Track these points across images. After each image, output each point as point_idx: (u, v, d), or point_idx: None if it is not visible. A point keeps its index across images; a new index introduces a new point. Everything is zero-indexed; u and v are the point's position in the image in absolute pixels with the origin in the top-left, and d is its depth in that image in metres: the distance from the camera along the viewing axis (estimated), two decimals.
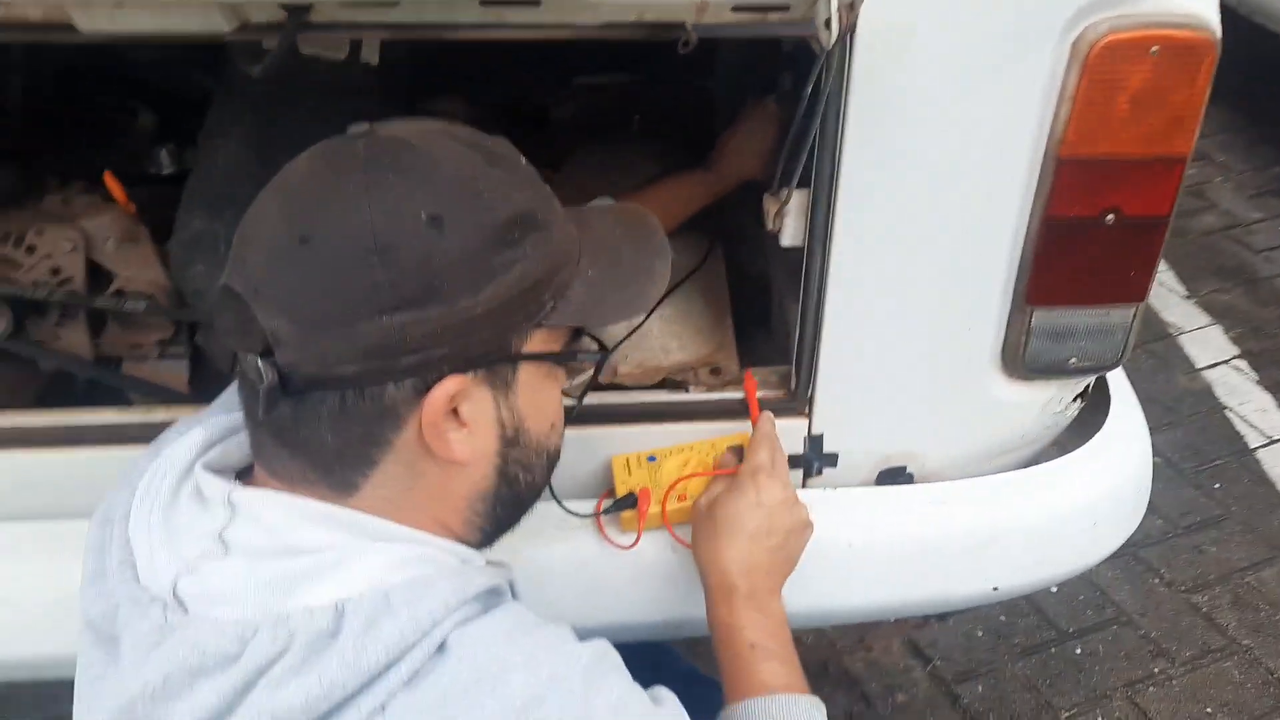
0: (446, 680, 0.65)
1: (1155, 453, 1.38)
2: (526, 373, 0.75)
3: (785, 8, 0.87)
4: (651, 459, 1.17)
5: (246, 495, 0.72)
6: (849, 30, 0.83)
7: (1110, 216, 1.07)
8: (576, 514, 1.13)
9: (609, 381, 1.29)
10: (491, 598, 0.73)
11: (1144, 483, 1.32)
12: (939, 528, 1.20)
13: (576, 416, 1.17)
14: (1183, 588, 2.16)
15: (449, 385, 0.70)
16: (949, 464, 1.27)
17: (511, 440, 0.77)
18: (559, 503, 1.13)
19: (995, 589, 1.23)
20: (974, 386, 1.21)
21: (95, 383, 1.36)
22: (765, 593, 0.99)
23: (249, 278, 0.69)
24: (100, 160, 1.34)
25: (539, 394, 0.78)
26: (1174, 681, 1.97)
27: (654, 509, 1.12)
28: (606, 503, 1.15)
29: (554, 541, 1.14)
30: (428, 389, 0.70)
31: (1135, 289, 1.14)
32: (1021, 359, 1.18)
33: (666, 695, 0.76)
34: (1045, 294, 1.13)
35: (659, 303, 1.33)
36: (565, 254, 0.76)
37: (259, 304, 0.68)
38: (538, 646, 0.69)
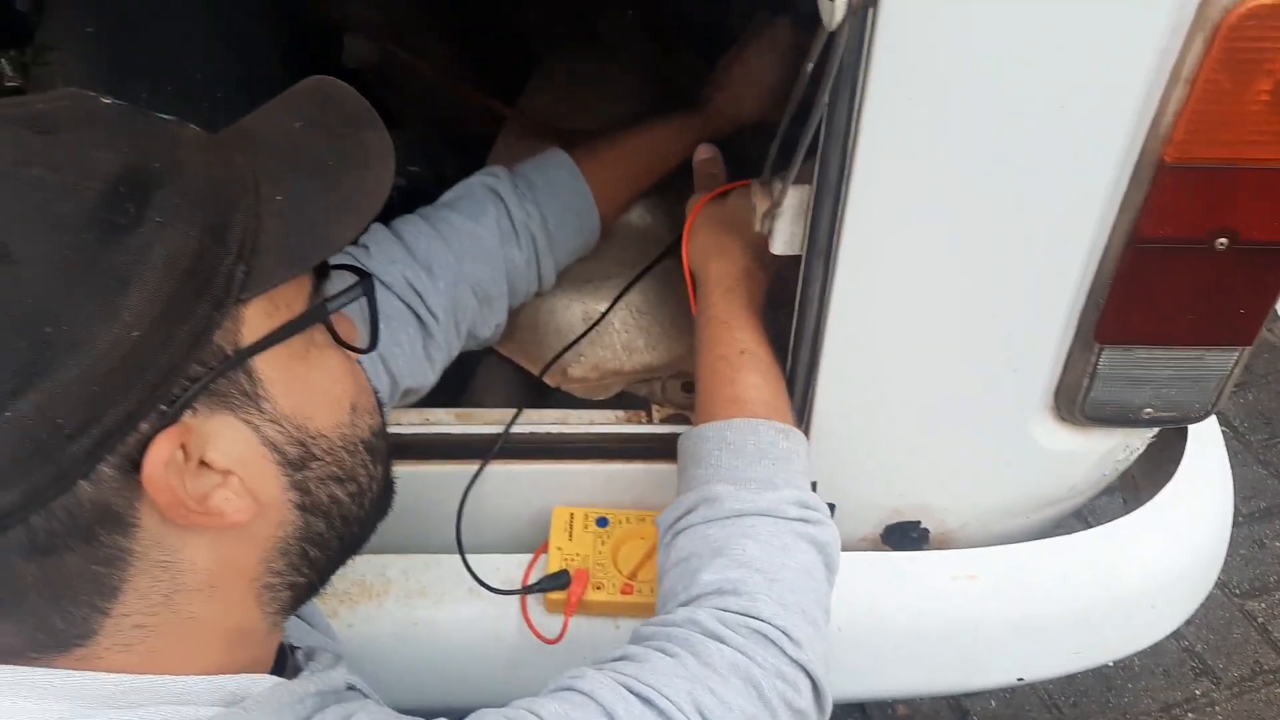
0: None
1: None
2: (270, 365, 0.55)
3: None
4: (602, 522, 0.96)
5: None
6: (863, 7, 0.56)
7: (1222, 241, 0.81)
8: (488, 586, 0.92)
9: (556, 385, 1.07)
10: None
11: (1219, 546, 1.09)
12: (960, 610, 0.98)
13: (504, 450, 0.96)
14: (1237, 591, 1.94)
15: (162, 446, 0.50)
16: (973, 520, 1.04)
17: (300, 460, 0.57)
18: (467, 567, 0.92)
19: (1020, 679, 1.02)
20: (1015, 431, 0.97)
21: None
22: (759, 308, 0.92)
23: None
24: None
25: (307, 379, 0.58)
26: (1217, 708, 1.78)
27: (591, 596, 0.91)
28: (536, 573, 0.94)
29: (459, 606, 0.94)
30: (137, 463, 0.50)
31: (1243, 331, 0.88)
32: (1081, 404, 0.94)
33: None
34: (1121, 331, 0.88)
35: (625, 289, 1.09)
36: (225, 193, 0.54)
37: None
38: None
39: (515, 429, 0.97)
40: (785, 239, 0.85)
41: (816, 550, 0.78)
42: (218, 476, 0.53)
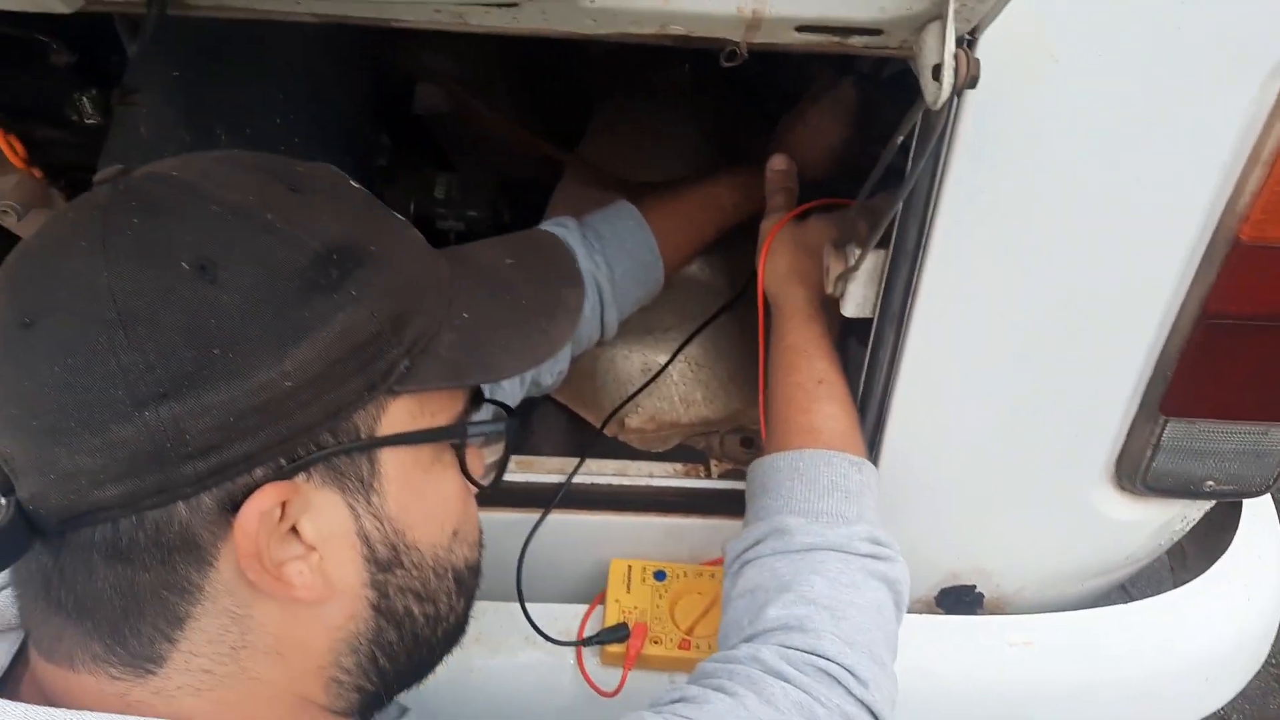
0: None
1: None
2: (394, 463, 0.55)
3: (876, 31, 0.62)
4: (660, 576, 0.97)
5: None
6: (966, 87, 0.58)
7: None
8: (547, 637, 0.92)
9: (614, 435, 1.08)
10: None
11: (1273, 618, 1.09)
12: (1015, 678, 0.98)
13: (562, 500, 0.97)
14: (1273, 662, 1.92)
15: (266, 496, 0.50)
16: (1029, 585, 1.04)
17: (387, 562, 0.56)
18: (527, 616, 0.93)
19: None
20: (1075, 499, 0.97)
21: None
22: (835, 338, 0.92)
23: None
24: (6, 102, 1.12)
25: (423, 490, 0.57)
26: None
27: (649, 650, 0.91)
28: (592, 624, 0.95)
29: (516, 655, 0.95)
30: (237, 505, 0.50)
31: None
32: (1142, 474, 0.95)
33: None
34: (1187, 403, 0.89)
35: (685, 343, 1.10)
36: (419, 293, 0.57)
37: None
38: None
39: (576, 479, 0.98)
40: (858, 302, 0.86)
41: (887, 588, 0.78)
42: (301, 548, 0.53)
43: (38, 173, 1.07)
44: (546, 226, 1.03)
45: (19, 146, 1.05)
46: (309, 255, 0.51)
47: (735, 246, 1.16)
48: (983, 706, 0.98)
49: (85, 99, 1.13)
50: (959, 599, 1.04)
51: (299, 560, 0.53)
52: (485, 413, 0.63)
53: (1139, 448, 0.93)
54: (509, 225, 1.40)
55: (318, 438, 0.52)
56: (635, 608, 0.95)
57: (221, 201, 0.51)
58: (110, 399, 0.47)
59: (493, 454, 0.64)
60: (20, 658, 0.59)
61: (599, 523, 0.99)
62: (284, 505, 0.51)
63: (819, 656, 0.71)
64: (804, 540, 0.77)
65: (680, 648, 0.93)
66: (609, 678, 0.93)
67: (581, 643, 0.92)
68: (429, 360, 0.55)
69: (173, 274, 0.48)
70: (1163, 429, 0.91)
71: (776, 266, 0.94)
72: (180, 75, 1.03)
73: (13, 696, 0.57)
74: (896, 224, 0.80)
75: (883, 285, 0.84)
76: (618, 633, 0.92)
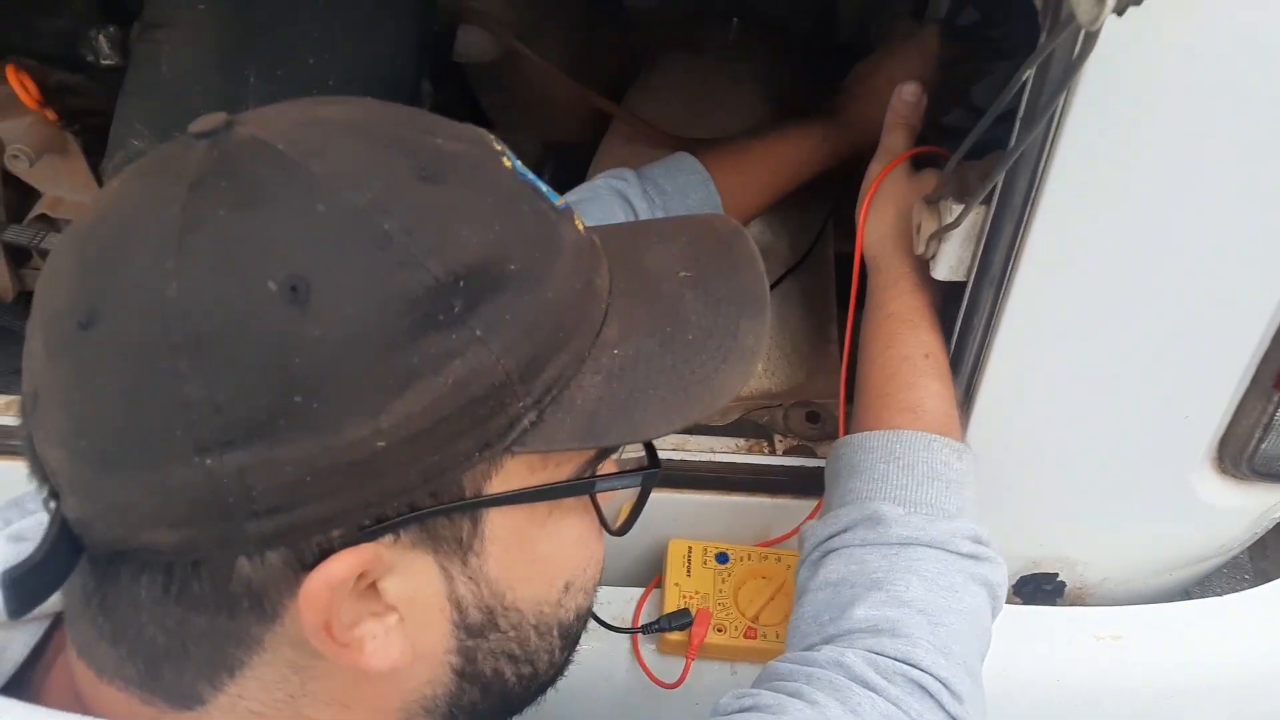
0: None
1: None
2: (503, 522, 0.47)
3: None
4: (722, 558, 0.91)
5: None
6: (1131, 3, 0.51)
7: None
8: (602, 623, 0.87)
9: None
10: None
11: None
12: (1102, 674, 0.92)
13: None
14: None
15: (341, 565, 0.42)
16: (1114, 575, 0.99)
17: (480, 627, 0.49)
18: None
19: None
20: (1173, 483, 0.91)
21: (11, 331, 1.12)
22: (940, 308, 0.85)
23: (31, 371, 0.43)
24: (18, 42, 1.06)
25: (534, 546, 0.50)
26: None
27: (712, 639, 0.86)
28: (649, 609, 0.89)
29: None
30: (307, 565, 0.43)
31: None
32: (1248, 456, 0.89)
33: None
34: None
35: None
36: (565, 327, 0.46)
37: (36, 418, 0.43)
38: None
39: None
40: (952, 263, 0.80)
41: (986, 593, 0.72)
42: (379, 605, 0.45)
43: (51, 114, 1.01)
44: (603, 179, 0.96)
45: (31, 85, 0.99)
46: (430, 281, 0.41)
47: (796, 206, 1.10)
48: (1065, 704, 0.92)
49: (102, 37, 1.07)
50: (1039, 588, 0.98)
51: (374, 620, 0.45)
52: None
53: (1247, 428, 0.87)
54: (550, 185, 1.33)
55: (412, 498, 0.43)
56: (696, 592, 0.89)
57: (332, 197, 0.41)
58: (169, 437, 0.40)
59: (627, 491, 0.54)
60: (44, 648, 0.53)
61: (656, 500, 0.92)
62: (363, 574, 0.44)
63: (912, 666, 0.65)
64: (900, 533, 0.71)
65: (746, 636, 0.87)
66: (668, 667, 0.87)
67: (640, 629, 0.87)
68: (561, 412, 0.45)
69: (257, 294, 0.39)
70: (1277, 407, 0.85)
71: (881, 223, 0.86)
72: (207, 9, 0.96)
73: (35, 689, 0.51)
74: (1002, 178, 0.73)
75: (981, 245, 0.78)
76: (679, 619, 0.86)
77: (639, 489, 0.53)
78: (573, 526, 0.52)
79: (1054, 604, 0.99)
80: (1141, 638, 0.93)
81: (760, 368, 1.03)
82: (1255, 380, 0.84)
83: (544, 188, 0.48)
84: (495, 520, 0.47)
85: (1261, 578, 1.08)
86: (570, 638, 0.56)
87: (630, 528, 0.57)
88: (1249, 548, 1.09)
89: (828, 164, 1.04)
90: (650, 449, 0.55)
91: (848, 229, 1.12)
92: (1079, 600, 1.00)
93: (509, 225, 0.44)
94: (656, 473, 0.54)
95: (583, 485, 0.50)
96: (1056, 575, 0.98)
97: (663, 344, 0.50)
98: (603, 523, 0.54)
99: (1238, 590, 0.98)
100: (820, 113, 1.06)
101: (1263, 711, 0.95)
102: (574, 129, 1.29)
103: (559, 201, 0.49)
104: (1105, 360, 0.82)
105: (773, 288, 1.02)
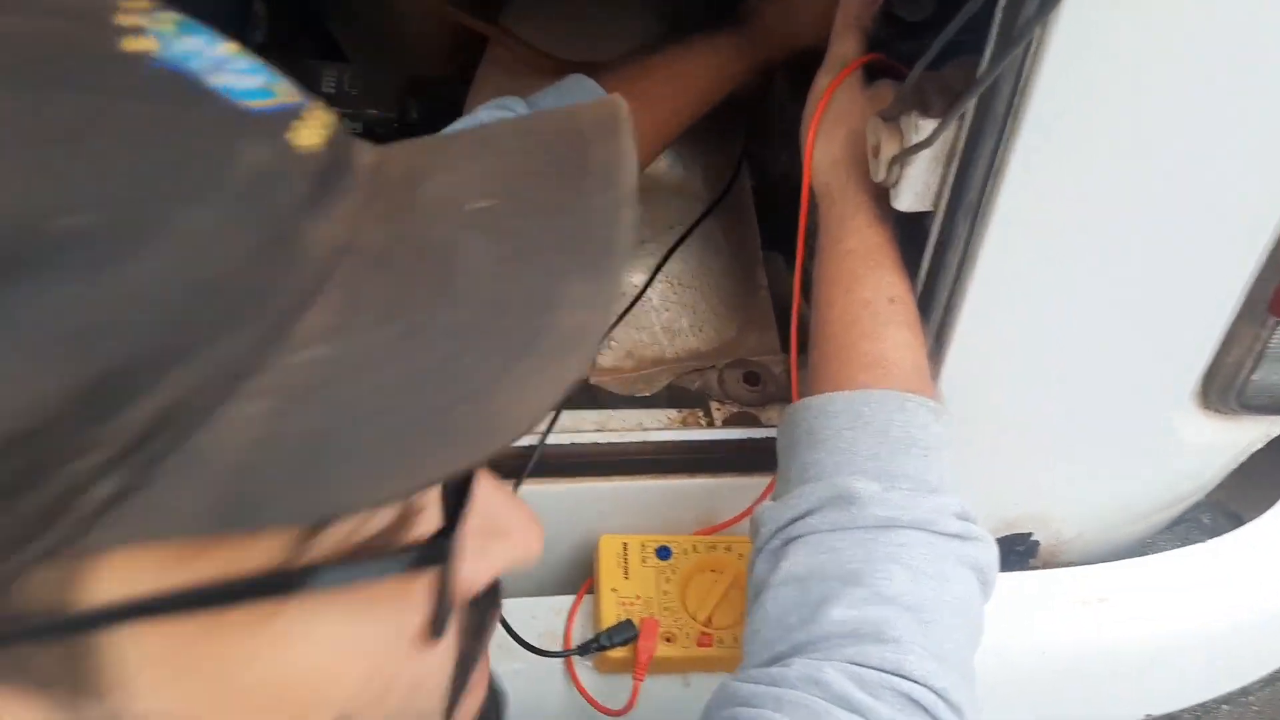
0: None
1: None
2: (155, 640, 0.28)
3: None
4: (663, 553, 0.78)
5: None
6: None
7: None
8: (531, 647, 0.73)
9: (586, 381, 0.88)
10: None
11: None
12: (1091, 642, 0.83)
13: (535, 467, 0.78)
14: None
15: None
16: (1090, 527, 0.90)
17: None
18: (500, 619, 0.74)
19: (1147, 715, 0.89)
20: (1156, 423, 0.83)
21: None
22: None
23: None
24: None
25: (240, 671, 0.30)
26: None
27: (663, 650, 0.73)
28: (581, 621, 0.76)
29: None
30: None
31: None
32: (1237, 389, 0.80)
33: None
34: None
35: (664, 258, 0.91)
36: (199, 317, 0.26)
37: None
38: None
39: (549, 439, 0.78)
40: (917, 190, 0.68)
41: (977, 579, 0.60)
42: None
43: None
44: (486, 110, 0.81)
45: None
46: None
47: (709, 136, 0.96)
48: (1053, 677, 0.84)
49: None
50: (1011, 549, 0.89)
51: None
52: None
53: (1238, 358, 0.78)
54: (417, 127, 1.17)
55: None
56: (637, 597, 0.76)
57: None
58: None
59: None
60: None
61: (580, 491, 0.80)
62: None
63: (902, 678, 0.53)
64: (878, 513, 0.59)
65: (699, 644, 0.75)
66: (610, 689, 0.75)
67: (576, 651, 0.74)
68: (183, 470, 0.26)
69: None
70: (1271, 334, 0.76)
71: (832, 145, 0.72)
72: None
73: None
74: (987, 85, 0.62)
75: (954, 168, 0.66)
76: (622, 633, 0.73)
77: (440, 574, 0.33)
78: (332, 630, 0.31)
79: (1027, 565, 0.90)
80: (1128, 597, 0.84)
81: (685, 323, 0.90)
82: (1248, 305, 0.76)
83: (233, 77, 0.29)
84: (130, 640, 0.28)
85: (1229, 519, 1.02)
86: None
87: (439, 631, 0.34)
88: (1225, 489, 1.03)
89: (743, 79, 0.90)
90: (453, 499, 0.34)
91: (764, 159, 0.99)
92: (1052, 558, 0.91)
93: (71, 156, 0.25)
94: (448, 543, 0.32)
95: (272, 583, 0.29)
96: (1030, 535, 0.88)
97: (406, 334, 0.29)
98: (436, 622, 0.34)
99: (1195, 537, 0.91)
100: (729, 21, 0.92)
101: (1259, 653, 0.89)
102: (442, 59, 1.12)
103: (268, 100, 0.29)
104: (1091, 294, 0.72)
105: (692, 230, 0.89)
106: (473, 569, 0.35)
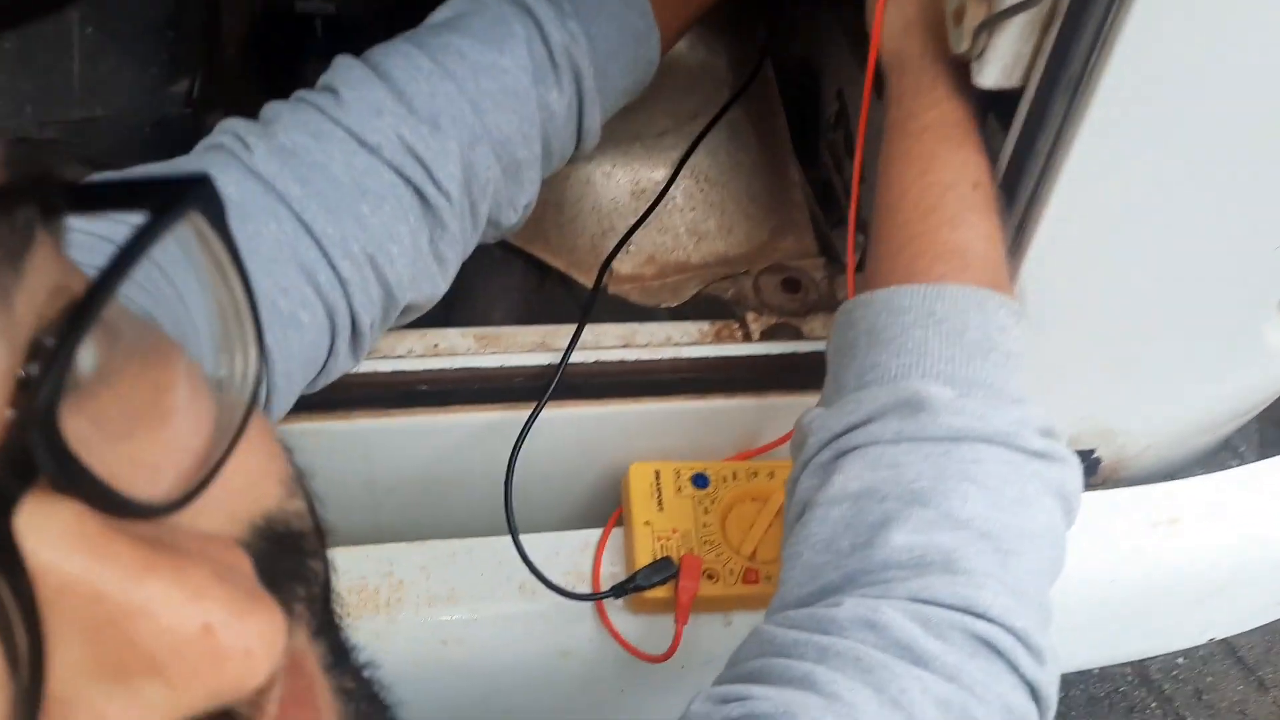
0: None
1: None
2: None
3: None
4: (700, 481, 0.70)
5: None
6: None
7: None
8: (557, 588, 0.65)
9: (603, 289, 0.79)
10: None
11: None
12: (1161, 566, 0.76)
13: (556, 389, 0.69)
14: None
15: None
16: (1159, 442, 0.83)
17: None
18: (524, 558, 0.66)
19: (1211, 638, 0.83)
20: (1240, 331, 0.75)
21: None
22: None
23: None
24: None
25: None
26: None
27: (705, 590, 0.66)
28: (611, 557, 0.68)
29: (509, 613, 0.68)
30: None
31: None
32: None
33: None
34: None
35: (689, 151, 0.81)
36: None
37: None
38: None
39: (573, 356, 0.69)
40: (1005, 63, 0.58)
41: (1060, 506, 0.53)
42: None
43: None
44: None
45: None
46: None
47: (738, 13, 0.86)
48: (1122, 604, 0.77)
49: None
50: None
51: None
52: None
53: None
54: (398, 9, 1.05)
55: None
56: (674, 530, 0.68)
57: None
58: None
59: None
60: None
61: (607, 415, 0.71)
62: None
63: (976, 616, 0.46)
64: (951, 423, 0.50)
65: (745, 580, 0.68)
66: (647, 632, 0.68)
67: (612, 593, 0.66)
68: None
69: None
70: None
71: (904, 9, 0.62)
72: None
73: None
74: None
75: (1052, 37, 0.57)
76: (661, 571, 0.66)
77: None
78: None
79: (1088, 485, 0.83)
80: (1200, 518, 0.78)
81: (712, 224, 0.81)
82: None
83: None
84: None
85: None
86: None
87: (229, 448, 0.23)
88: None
89: None
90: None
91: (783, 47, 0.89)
92: (1113, 476, 0.84)
93: None
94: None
95: None
96: (1093, 452, 0.81)
97: None
98: None
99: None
100: None
101: None
102: None
103: None
104: (1191, 186, 0.63)
105: (719, 118, 0.79)
106: None
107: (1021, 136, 0.60)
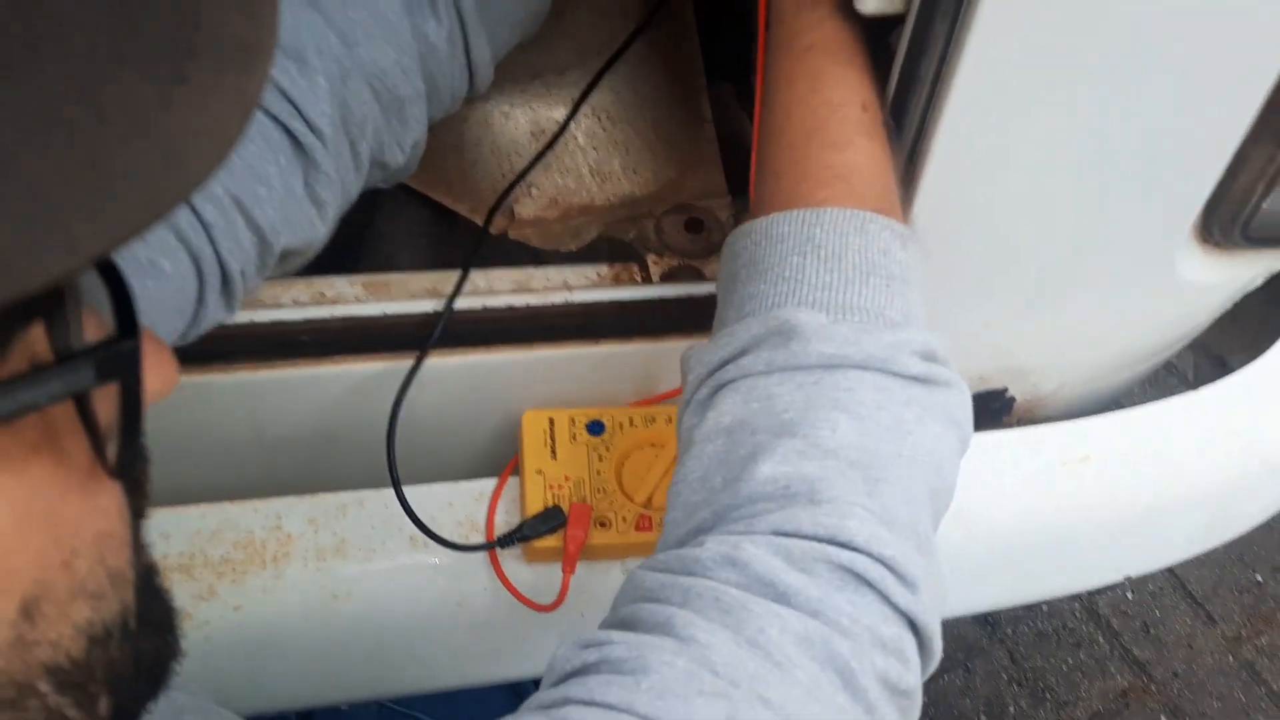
0: None
1: None
2: None
3: None
4: (595, 428, 0.68)
5: None
6: None
7: None
8: (444, 541, 0.64)
9: (501, 233, 0.77)
10: None
11: None
12: (1073, 504, 0.76)
13: (443, 336, 0.67)
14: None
15: None
16: (1072, 380, 0.82)
17: None
18: (408, 510, 0.64)
19: (1127, 576, 0.83)
20: (1153, 260, 0.73)
21: None
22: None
23: None
24: None
25: None
26: None
27: (596, 539, 0.64)
28: (505, 506, 0.67)
29: (399, 565, 0.67)
30: None
31: None
32: (1244, 220, 0.71)
33: None
34: None
35: (589, 87, 0.78)
36: None
37: None
38: None
39: (459, 303, 0.67)
40: None
41: (954, 430, 0.51)
42: None
43: None
44: None
45: None
46: None
47: None
48: (1033, 544, 0.77)
49: None
50: (984, 408, 0.80)
51: None
52: None
53: (1246, 184, 0.69)
54: None
55: None
56: (567, 478, 0.67)
57: None
58: None
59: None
60: None
61: (499, 364, 0.69)
62: None
63: (840, 546, 0.44)
64: (822, 350, 0.49)
65: (638, 529, 0.66)
66: (540, 581, 0.67)
67: (498, 543, 0.65)
68: None
69: None
70: None
71: None
72: None
73: None
74: None
75: None
76: (550, 520, 0.64)
77: (122, 388, 0.27)
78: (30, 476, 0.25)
79: (1000, 424, 0.82)
80: (1112, 455, 0.77)
81: (616, 163, 0.79)
82: (1262, 123, 0.65)
83: None
84: None
85: (1214, 364, 0.94)
86: (146, 587, 0.30)
87: (131, 461, 0.28)
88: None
89: None
90: (122, 303, 0.28)
91: None
92: (1028, 416, 0.83)
93: None
94: (136, 349, 0.26)
95: None
96: (1005, 391, 0.80)
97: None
98: (100, 454, 0.27)
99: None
100: None
101: (1250, 510, 0.82)
102: None
103: None
104: (1086, 111, 0.61)
105: (621, 53, 0.77)
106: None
107: (905, 63, 0.58)
